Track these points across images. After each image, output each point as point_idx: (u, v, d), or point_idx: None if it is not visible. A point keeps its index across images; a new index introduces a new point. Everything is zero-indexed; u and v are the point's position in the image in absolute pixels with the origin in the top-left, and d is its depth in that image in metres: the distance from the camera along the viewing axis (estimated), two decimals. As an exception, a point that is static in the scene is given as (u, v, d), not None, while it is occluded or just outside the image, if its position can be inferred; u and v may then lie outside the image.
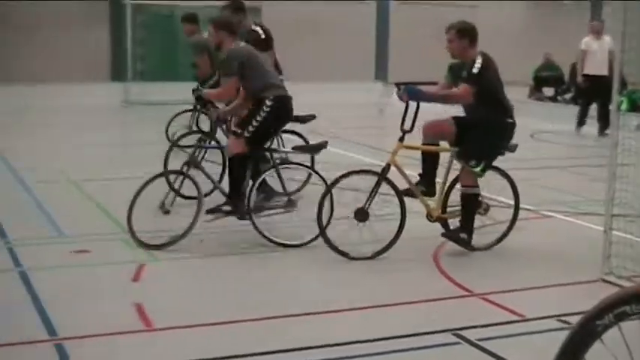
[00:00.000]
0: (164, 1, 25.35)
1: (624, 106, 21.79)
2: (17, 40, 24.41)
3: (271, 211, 8.32)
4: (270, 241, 7.99)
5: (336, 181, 7.78)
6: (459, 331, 5.80)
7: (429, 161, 8.02)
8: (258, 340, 5.62)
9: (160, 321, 5.92)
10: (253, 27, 10.13)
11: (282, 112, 8.36)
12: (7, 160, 12.47)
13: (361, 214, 7.70)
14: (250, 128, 8.12)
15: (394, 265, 7.59)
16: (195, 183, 8.05)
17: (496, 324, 6.02)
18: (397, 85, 7.84)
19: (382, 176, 7.71)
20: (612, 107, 7.42)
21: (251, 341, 5.59)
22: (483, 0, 29.28)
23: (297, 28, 27.46)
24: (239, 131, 8.19)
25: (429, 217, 8.02)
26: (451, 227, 8.09)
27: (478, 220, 8.02)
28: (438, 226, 8.17)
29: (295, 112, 8.66)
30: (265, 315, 6.07)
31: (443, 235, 7.95)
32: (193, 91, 10.39)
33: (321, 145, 8.50)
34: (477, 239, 7.94)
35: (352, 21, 28.59)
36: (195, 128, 11.33)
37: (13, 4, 24.41)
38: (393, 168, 7.77)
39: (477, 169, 7.76)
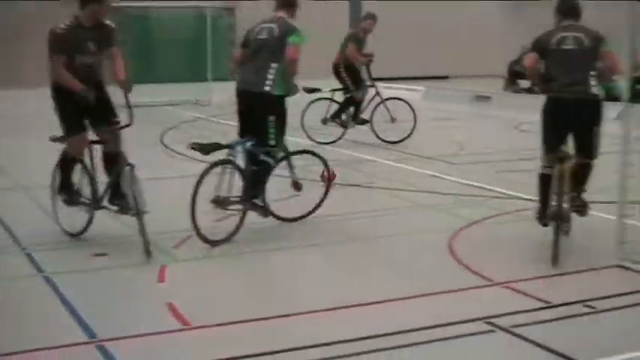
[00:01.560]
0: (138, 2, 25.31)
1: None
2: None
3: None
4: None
5: None
6: (490, 319, 5.93)
7: None
8: (288, 335, 5.74)
9: (195, 320, 5.99)
10: None
11: None
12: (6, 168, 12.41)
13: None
14: None
15: (411, 259, 7.72)
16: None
17: (525, 311, 6.15)
18: None
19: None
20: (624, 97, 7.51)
21: (281, 337, 5.71)
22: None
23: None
24: None
25: None
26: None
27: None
28: (449, 218, 8.29)
29: None
30: (293, 311, 6.19)
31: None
32: None
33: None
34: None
35: (325, 20, 28.67)
36: None
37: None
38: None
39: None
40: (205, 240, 7.94)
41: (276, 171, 8.75)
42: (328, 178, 9.10)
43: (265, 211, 8.51)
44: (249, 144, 8.33)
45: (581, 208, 8.17)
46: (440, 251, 7.84)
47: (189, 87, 22.80)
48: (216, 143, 8.44)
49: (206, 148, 8.25)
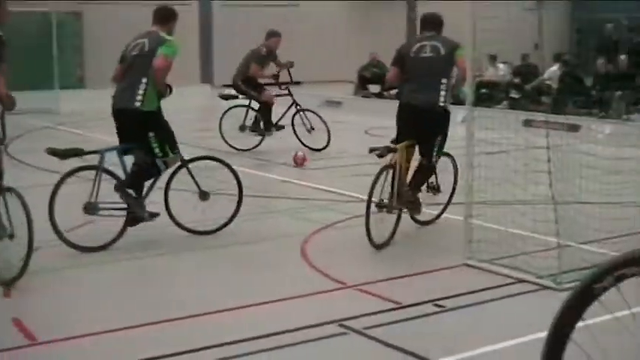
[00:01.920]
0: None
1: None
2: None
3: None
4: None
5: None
6: (343, 322, 5.99)
7: None
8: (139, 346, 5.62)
9: (44, 334, 5.80)
10: None
11: None
12: None
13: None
14: None
15: (264, 264, 7.72)
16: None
17: (376, 312, 6.24)
18: None
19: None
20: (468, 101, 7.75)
21: (133, 348, 5.59)
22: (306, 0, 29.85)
23: (119, 33, 27.02)
24: None
25: None
26: None
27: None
28: (302, 223, 8.34)
29: None
30: (144, 321, 6.07)
31: None
32: None
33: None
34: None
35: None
36: None
37: None
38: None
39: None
40: (73, 246, 7.78)
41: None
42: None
43: (139, 205, 8.24)
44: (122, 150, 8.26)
45: (413, 205, 8.49)
46: (292, 256, 7.87)
47: (35, 95, 22.06)
48: (77, 148, 8.24)
49: (66, 154, 8.08)
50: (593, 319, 2.41)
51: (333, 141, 14.67)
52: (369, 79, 25.16)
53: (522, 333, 5.55)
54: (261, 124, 14.69)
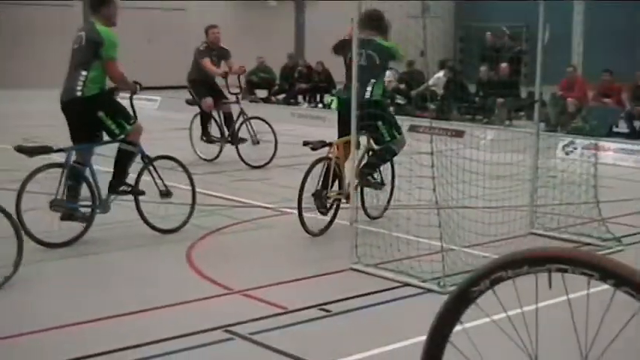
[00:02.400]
0: None
1: (334, 105, 23.00)
2: None
3: None
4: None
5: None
6: (229, 328, 5.95)
7: None
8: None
9: None
10: None
11: None
12: None
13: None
14: None
15: (150, 270, 7.62)
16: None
17: (263, 318, 6.23)
18: None
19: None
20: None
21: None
22: (190, 1, 29.62)
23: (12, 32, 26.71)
24: None
25: None
26: None
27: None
28: (189, 228, 8.29)
29: None
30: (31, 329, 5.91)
31: None
32: None
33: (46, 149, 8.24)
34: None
35: (62, 24, 27.90)
36: None
37: None
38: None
39: None
40: (40, 242, 7.93)
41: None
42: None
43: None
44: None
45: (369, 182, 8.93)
46: (179, 262, 7.78)
47: None
48: (45, 146, 8.26)
49: (33, 151, 8.18)
50: (471, 322, 2.46)
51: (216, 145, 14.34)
52: (257, 84, 25.10)
53: (406, 336, 5.62)
54: (213, 132, 14.06)
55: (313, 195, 8.59)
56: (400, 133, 9.09)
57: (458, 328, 2.28)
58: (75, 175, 8.25)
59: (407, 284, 7.06)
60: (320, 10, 31.13)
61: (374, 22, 8.75)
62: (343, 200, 8.73)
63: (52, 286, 7.19)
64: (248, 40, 29.37)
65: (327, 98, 23.49)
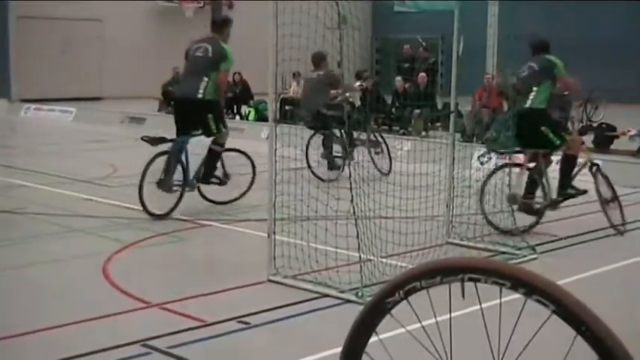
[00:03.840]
0: None
1: (252, 116, 22.97)
2: None
3: None
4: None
5: None
6: (147, 342, 5.88)
7: None
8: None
9: None
10: None
11: None
12: None
13: None
14: None
15: (65, 285, 7.48)
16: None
17: (181, 331, 6.17)
18: None
19: None
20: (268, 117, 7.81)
21: None
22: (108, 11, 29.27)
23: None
24: None
25: None
26: None
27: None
28: (104, 241, 8.16)
29: None
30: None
31: None
32: None
33: None
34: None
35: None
36: None
37: None
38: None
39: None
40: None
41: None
42: None
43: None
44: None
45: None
46: (94, 276, 7.66)
47: None
48: (163, 137, 10.23)
49: (155, 140, 10.16)
50: (387, 333, 2.47)
51: (134, 158, 14.12)
52: (173, 95, 24.86)
53: (324, 347, 5.63)
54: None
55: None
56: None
57: (374, 339, 2.29)
58: (176, 160, 10.06)
59: (326, 295, 7.08)
60: (236, 19, 31.04)
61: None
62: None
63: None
64: (165, 50, 29.13)
65: (245, 109, 23.46)
